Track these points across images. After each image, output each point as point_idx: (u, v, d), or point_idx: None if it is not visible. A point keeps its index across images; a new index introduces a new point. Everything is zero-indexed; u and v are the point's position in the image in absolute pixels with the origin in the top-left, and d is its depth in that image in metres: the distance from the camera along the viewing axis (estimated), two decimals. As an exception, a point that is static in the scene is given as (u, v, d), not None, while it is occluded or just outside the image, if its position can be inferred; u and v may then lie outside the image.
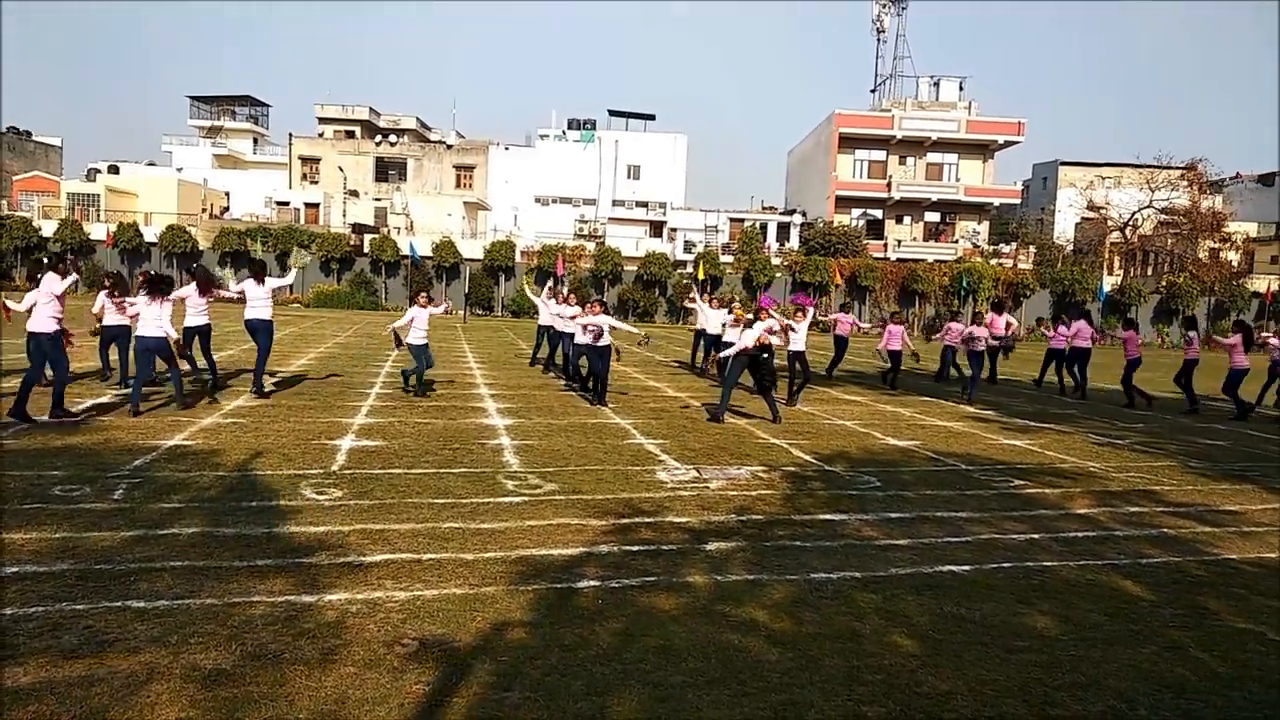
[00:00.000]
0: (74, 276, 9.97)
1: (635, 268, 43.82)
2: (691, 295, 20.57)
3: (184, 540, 5.54)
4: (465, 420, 10.77)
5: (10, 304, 10.40)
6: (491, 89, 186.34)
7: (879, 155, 55.30)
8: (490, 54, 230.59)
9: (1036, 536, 6.63)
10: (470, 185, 59.99)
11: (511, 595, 4.87)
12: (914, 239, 54.94)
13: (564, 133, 61.31)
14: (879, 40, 62.44)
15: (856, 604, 5.00)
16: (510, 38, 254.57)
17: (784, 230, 54.92)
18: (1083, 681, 4.12)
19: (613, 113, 62.12)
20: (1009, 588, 5.41)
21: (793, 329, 13.17)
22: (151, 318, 9.92)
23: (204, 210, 53.98)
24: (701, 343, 17.85)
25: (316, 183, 59.61)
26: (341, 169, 58.75)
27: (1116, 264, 51.93)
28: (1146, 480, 8.99)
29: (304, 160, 61.11)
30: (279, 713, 3.47)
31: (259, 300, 11.50)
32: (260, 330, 11.49)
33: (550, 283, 21.17)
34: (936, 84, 57.92)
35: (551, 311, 15.68)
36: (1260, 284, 44.75)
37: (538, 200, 59.03)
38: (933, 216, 56.20)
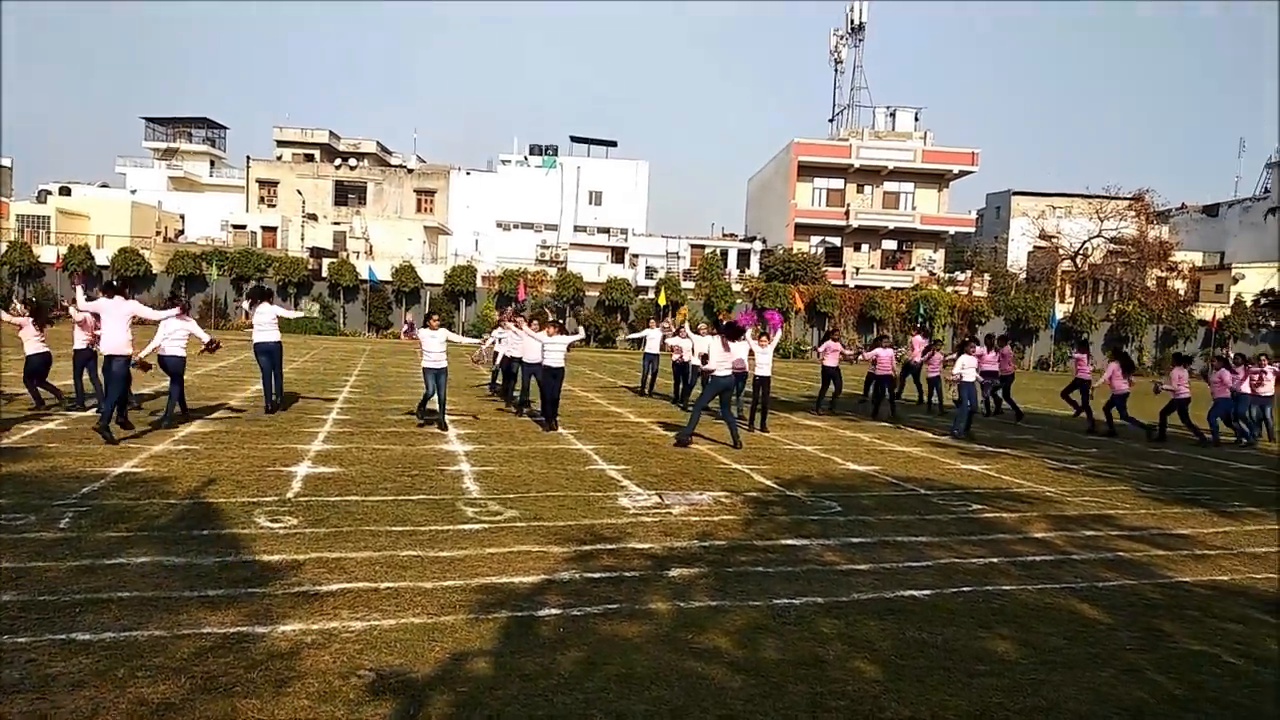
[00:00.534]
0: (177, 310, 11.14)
1: (597, 293, 43.86)
2: (667, 324, 20.41)
3: (132, 570, 5.38)
4: (424, 446, 10.64)
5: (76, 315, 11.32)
6: (453, 115, 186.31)
7: (837, 184, 56.05)
8: (452, 80, 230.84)
9: (995, 561, 6.69)
10: (431, 210, 59.69)
11: (471, 624, 4.79)
12: (872, 266, 55.61)
13: (526, 158, 61.36)
14: (837, 71, 63.50)
15: (819, 630, 4.99)
16: (472, 63, 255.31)
17: (744, 257, 55.33)
18: (1043, 705, 4.14)
19: (575, 139, 62.40)
20: (969, 612, 5.44)
21: (755, 352, 13.20)
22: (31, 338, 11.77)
23: (158, 233, 53.03)
24: (652, 367, 17.91)
25: (274, 206, 58.91)
26: (300, 192, 58.15)
27: (1068, 292, 53.01)
28: (1101, 505, 9.12)
29: (262, 183, 60.40)
30: (229, 748, 3.36)
31: (266, 324, 12.51)
32: (267, 351, 12.51)
33: (510, 308, 20.91)
34: (893, 114, 59.01)
35: (519, 336, 15.19)
36: (1206, 312, 45.91)
37: (499, 225, 58.92)
38: (890, 244, 56.98)
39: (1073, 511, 8.69)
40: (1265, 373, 15.49)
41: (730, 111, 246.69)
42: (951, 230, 56.78)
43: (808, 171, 55.21)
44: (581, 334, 14.46)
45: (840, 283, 50.11)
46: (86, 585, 5.07)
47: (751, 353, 13.10)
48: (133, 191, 59.19)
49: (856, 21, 61.34)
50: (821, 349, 16.90)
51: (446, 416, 12.29)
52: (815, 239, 55.83)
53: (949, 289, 48.17)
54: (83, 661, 4.04)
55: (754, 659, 4.52)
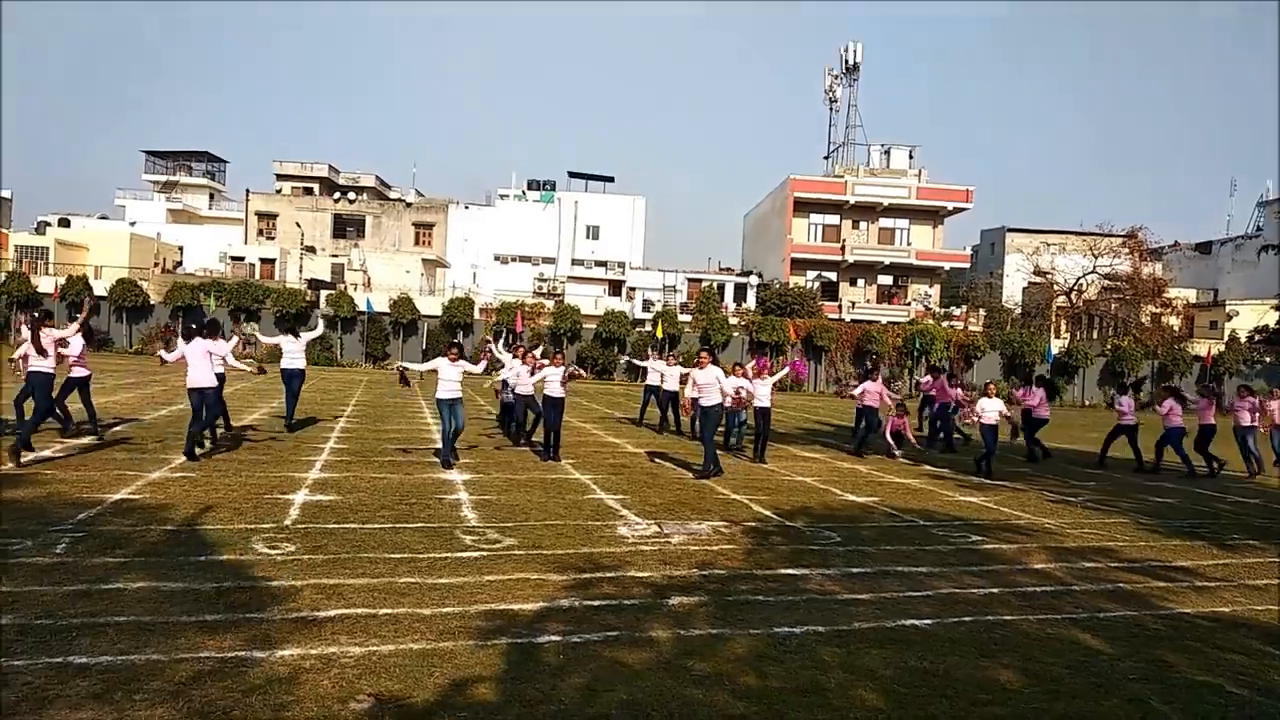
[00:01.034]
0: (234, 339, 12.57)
1: (594, 325, 43.92)
2: (648, 355, 20.46)
3: (129, 595, 5.34)
4: (422, 475, 10.61)
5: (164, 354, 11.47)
6: (451, 150, 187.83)
7: (833, 219, 56.45)
8: (451, 116, 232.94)
9: (996, 591, 6.66)
10: (429, 243, 59.94)
11: (471, 650, 4.76)
12: (868, 301, 55.84)
13: (524, 193, 61.77)
14: (831, 109, 64.13)
15: (820, 658, 4.96)
16: (471, 99, 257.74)
17: (741, 290, 55.60)
18: (1048, 733, 4.12)
19: (572, 174, 62.92)
20: (971, 641, 5.41)
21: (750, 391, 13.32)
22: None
23: (156, 264, 53.15)
24: (654, 399, 17.88)
25: (273, 238, 59.12)
26: (299, 225, 58.41)
27: (1063, 327, 53.20)
28: (1100, 536, 9.10)
29: (261, 216, 60.65)
30: (228, 772, 3.33)
31: (294, 352, 14.13)
32: (295, 377, 13.99)
33: (509, 339, 21.00)
34: (887, 152, 59.54)
35: (516, 370, 15.24)
36: (1200, 348, 46.05)
37: (497, 258, 59.15)
38: (885, 279, 57.28)
39: (1072, 543, 8.67)
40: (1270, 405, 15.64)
41: (727, 149, 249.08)
42: (947, 266, 57.09)
43: (804, 207, 55.66)
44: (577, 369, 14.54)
45: (836, 317, 50.28)
46: (84, 609, 5.03)
47: (750, 393, 13.25)
48: (132, 223, 59.40)
49: (850, 61, 62.07)
50: (859, 391, 15.61)
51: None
52: (811, 273, 56.14)
53: (945, 324, 48.33)
54: (80, 685, 4.01)
55: (755, 687, 4.49)
